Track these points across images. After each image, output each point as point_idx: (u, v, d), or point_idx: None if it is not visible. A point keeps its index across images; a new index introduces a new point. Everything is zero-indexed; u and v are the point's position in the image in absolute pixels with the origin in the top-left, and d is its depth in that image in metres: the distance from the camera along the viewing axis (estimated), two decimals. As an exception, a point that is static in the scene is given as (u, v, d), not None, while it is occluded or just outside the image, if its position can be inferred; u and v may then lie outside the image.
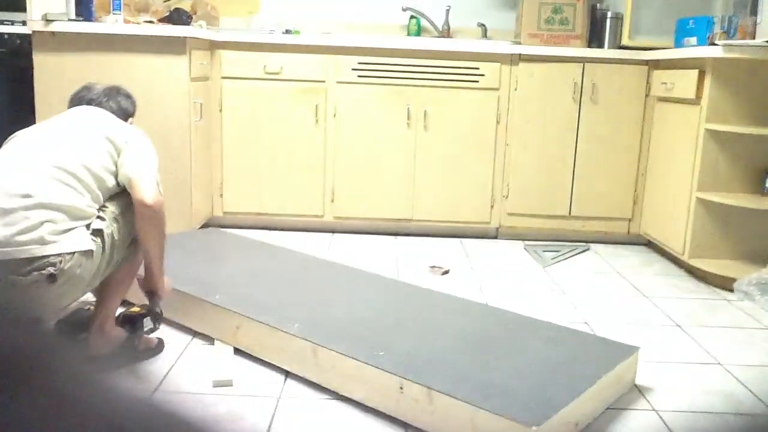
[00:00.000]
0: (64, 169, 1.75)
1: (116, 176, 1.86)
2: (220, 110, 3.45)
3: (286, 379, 1.92)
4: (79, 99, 2.08)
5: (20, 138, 1.87)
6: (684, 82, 3.02)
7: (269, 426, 1.68)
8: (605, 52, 3.45)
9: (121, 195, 1.86)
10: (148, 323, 2.06)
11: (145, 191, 1.82)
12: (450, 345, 1.90)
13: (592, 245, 3.52)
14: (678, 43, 3.39)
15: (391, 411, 1.71)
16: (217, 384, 1.86)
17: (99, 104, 2.06)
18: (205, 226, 3.50)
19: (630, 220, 3.54)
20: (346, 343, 1.87)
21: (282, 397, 1.82)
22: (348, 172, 3.51)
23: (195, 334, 2.19)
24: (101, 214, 1.80)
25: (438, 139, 3.48)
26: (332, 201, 3.53)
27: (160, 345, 2.08)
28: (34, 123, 3.03)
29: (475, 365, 1.78)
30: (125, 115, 2.11)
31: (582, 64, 3.40)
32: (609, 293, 2.78)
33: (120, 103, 2.10)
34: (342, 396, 1.82)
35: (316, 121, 3.46)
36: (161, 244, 1.92)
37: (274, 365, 1.98)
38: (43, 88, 3.06)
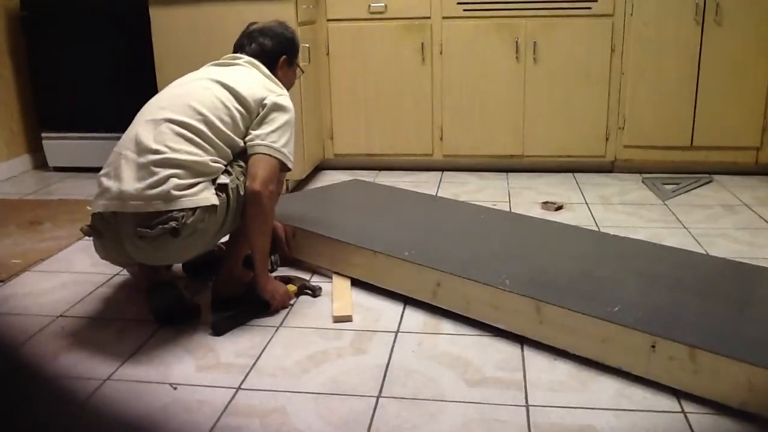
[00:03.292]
0: (191, 126, 1.81)
1: (244, 135, 1.90)
2: (327, 53, 3.48)
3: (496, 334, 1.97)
4: (236, 44, 2.13)
5: (163, 92, 1.96)
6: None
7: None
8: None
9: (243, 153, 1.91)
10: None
11: (258, 177, 1.84)
12: (667, 293, 1.82)
13: (716, 177, 3.34)
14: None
15: (642, 372, 1.58)
16: (338, 320, 1.93)
17: (243, 50, 2.09)
18: (317, 169, 3.58)
19: (758, 149, 3.32)
20: (570, 298, 1.75)
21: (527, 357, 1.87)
22: (456, 110, 3.47)
23: (314, 271, 2.28)
24: (228, 168, 1.85)
25: (548, 71, 3.36)
26: (441, 139, 3.51)
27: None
28: (154, 77, 3.19)
29: (711, 316, 1.69)
30: (270, 57, 2.07)
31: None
32: (733, 227, 2.65)
33: (263, 45, 2.07)
34: (568, 353, 1.71)
35: (423, 58, 3.42)
36: (265, 237, 1.92)
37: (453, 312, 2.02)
38: (160, 41, 3.19)
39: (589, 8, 3.26)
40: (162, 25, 3.18)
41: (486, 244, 2.21)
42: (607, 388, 1.57)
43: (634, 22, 3.25)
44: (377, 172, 3.59)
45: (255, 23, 2.16)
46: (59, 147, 3.72)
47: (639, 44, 3.27)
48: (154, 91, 2.46)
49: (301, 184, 3.33)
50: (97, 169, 1.90)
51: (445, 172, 3.55)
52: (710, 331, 1.59)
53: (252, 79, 1.97)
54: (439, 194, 3.13)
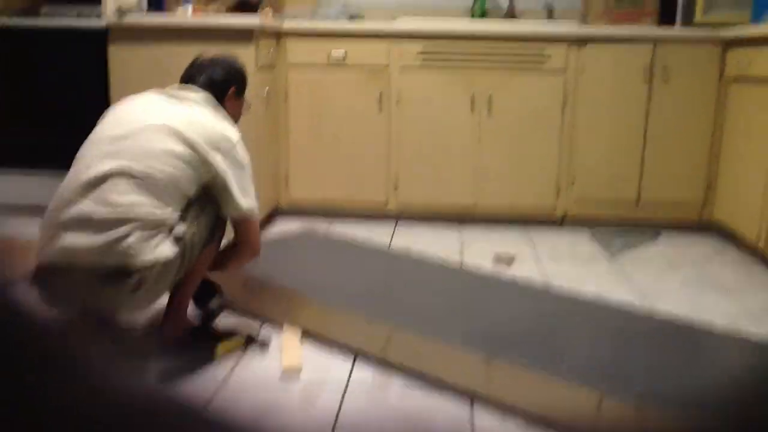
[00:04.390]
0: (145, 176, 1.78)
1: (201, 184, 1.87)
2: (286, 99, 3.50)
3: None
4: (184, 75, 2.11)
5: (109, 128, 1.90)
6: (762, 60, 2.90)
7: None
8: (677, 31, 3.33)
9: (201, 196, 1.89)
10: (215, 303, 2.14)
11: (250, 242, 2.00)
12: (614, 350, 1.85)
13: (662, 232, 3.43)
14: (756, 18, 3.25)
15: (590, 428, 1.59)
16: (287, 371, 1.91)
17: (193, 81, 2.07)
18: (271, 215, 3.56)
19: (702, 206, 3.43)
20: (520, 354, 1.79)
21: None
22: (412, 159, 3.51)
23: (264, 321, 2.25)
24: (183, 215, 1.84)
25: (503, 124, 3.44)
26: (396, 188, 3.54)
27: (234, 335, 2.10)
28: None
29: (656, 372, 1.75)
30: (220, 88, 2.06)
31: (652, 44, 3.30)
32: (680, 283, 2.72)
33: (213, 76, 2.06)
34: (518, 409, 1.75)
35: (380, 107, 3.47)
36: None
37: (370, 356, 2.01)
38: (118, 79, 3.16)
39: (543, 64, 3.36)
40: (120, 63, 3.16)
41: (437, 298, 2.22)
42: (554, 448, 1.57)
43: (585, 80, 3.36)
44: (332, 219, 3.59)
45: (201, 56, 2.16)
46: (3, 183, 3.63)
47: (590, 101, 3.38)
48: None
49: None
50: (42, 208, 1.85)
51: (399, 222, 3.58)
52: (655, 387, 1.62)
53: (206, 121, 1.94)
54: (392, 244, 3.14)
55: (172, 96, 1.99)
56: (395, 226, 3.48)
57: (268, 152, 3.39)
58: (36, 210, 2.16)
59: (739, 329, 2.22)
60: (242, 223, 1.98)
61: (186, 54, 3.11)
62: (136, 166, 1.78)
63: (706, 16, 3.58)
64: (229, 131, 1.97)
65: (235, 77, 2.13)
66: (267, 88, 3.26)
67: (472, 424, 1.66)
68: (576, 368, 1.70)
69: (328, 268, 2.48)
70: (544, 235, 3.37)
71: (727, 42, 3.26)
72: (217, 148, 1.89)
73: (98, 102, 3.21)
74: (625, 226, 3.49)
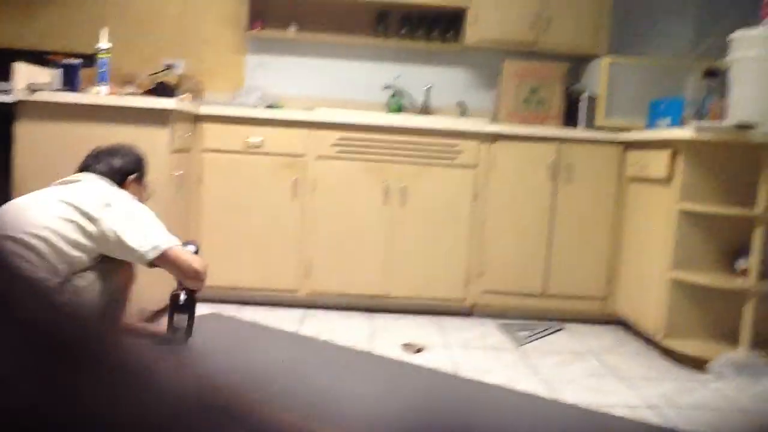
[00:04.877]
0: (30, 246, 1.74)
1: (88, 250, 1.85)
2: (200, 182, 3.47)
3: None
4: (82, 165, 2.10)
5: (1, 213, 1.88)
6: (656, 163, 3.09)
7: None
8: (580, 133, 3.53)
9: (86, 271, 1.84)
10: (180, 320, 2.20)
11: (184, 264, 1.99)
12: None
13: (566, 324, 3.52)
14: (651, 124, 3.49)
15: None
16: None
17: (89, 170, 2.06)
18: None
19: (604, 299, 3.55)
20: None
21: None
22: (324, 247, 3.51)
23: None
24: (61, 288, 1.78)
25: (415, 215, 3.50)
26: (307, 276, 3.52)
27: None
28: (9, 191, 3.06)
29: None
30: (119, 175, 2.08)
31: (558, 144, 3.48)
32: (582, 374, 2.77)
33: (111, 164, 2.08)
34: None
35: (295, 194, 3.48)
36: None
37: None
38: (23, 156, 3.08)
39: (455, 159, 3.48)
40: (28, 140, 3.08)
41: (344, 383, 2.19)
42: None
43: (495, 175, 3.49)
44: (240, 306, 3.52)
45: (99, 146, 2.17)
46: None
47: (499, 195, 3.50)
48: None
49: (158, 315, 3.20)
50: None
51: (309, 310, 3.54)
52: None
53: (95, 189, 1.95)
54: (302, 331, 3.10)
55: (64, 182, 2.00)
56: (305, 314, 3.44)
57: (178, 236, 3.32)
58: None
59: (639, 417, 2.26)
60: (161, 263, 1.97)
61: (98, 134, 3.09)
62: (21, 237, 1.75)
63: (607, 120, 3.82)
64: (116, 192, 1.98)
65: (135, 163, 2.16)
66: (181, 171, 3.24)
67: None
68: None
69: (233, 351, 2.42)
70: (453, 325, 3.39)
71: (626, 144, 3.47)
72: (106, 205, 1.89)
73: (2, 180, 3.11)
74: (531, 317, 3.56)
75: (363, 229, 3.51)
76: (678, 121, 3.23)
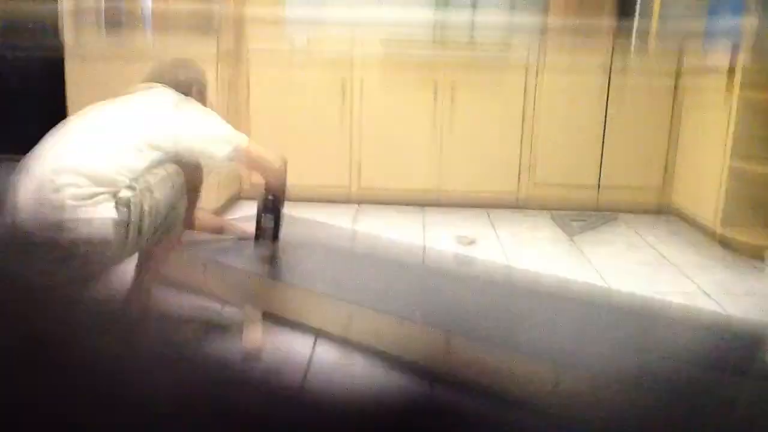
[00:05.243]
0: (97, 137, 1.78)
1: (160, 155, 1.86)
2: (248, 85, 3.47)
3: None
4: (146, 78, 2.11)
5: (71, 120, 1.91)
6: (717, 52, 2.96)
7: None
8: (635, 24, 3.38)
9: (160, 167, 1.86)
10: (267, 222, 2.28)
11: (262, 161, 2.08)
12: (573, 326, 1.89)
13: (620, 215, 3.49)
14: (712, 13, 3.31)
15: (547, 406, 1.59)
16: (249, 351, 1.90)
17: (157, 82, 2.08)
18: (232, 200, 3.54)
19: (659, 189, 3.50)
20: (479, 331, 1.81)
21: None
22: (375, 146, 3.51)
23: (225, 303, 2.24)
24: (133, 184, 1.78)
25: (465, 111, 3.46)
26: (359, 173, 3.53)
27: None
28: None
29: (614, 347, 1.78)
30: (185, 86, 2.08)
31: (612, 36, 3.35)
32: (636, 263, 2.77)
33: (176, 77, 2.08)
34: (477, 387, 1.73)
35: (343, 94, 3.46)
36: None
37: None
38: (74, 72, 3.10)
39: (505, 53, 3.38)
40: (79, 55, 3.10)
41: (398, 277, 2.23)
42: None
43: (546, 68, 3.39)
44: (293, 203, 3.56)
45: (161, 61, 2.17)
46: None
47: (551, 88, 3.41)
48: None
49: (216, 214, 3.28)
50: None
51: (361, 205, 3.57)
52: (611, 363, 1.65)
53: (166, 97, 1.98)
54: (354, 227, 3.15)
55: (131, 92, 2.01)
56: (358, 210, 3.48)
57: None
58: None
59: (695, 307, 2.27)
60: (240, 160, 2.01)
61: (148, 46, 3.09)
62: (88, 131, 1.80)
63: (664, 9, 3.62)
64: (187, 99, 2.01)
65: (195, 77, 2.15)
66: (229, 76, 3.24)
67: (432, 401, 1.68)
68: (533, 345, 1.72)
69: (289, 249, 2.47)
70: (505, 217, 3.40)
71: (685, 34, 3.32)
72: (179, 110, 1.93)
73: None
74: (584, 209, 3.53)
75: (413, 127, 3.48)
76: (741, 10, 3.06)
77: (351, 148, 3.52)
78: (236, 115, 3.44)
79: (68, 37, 3.10)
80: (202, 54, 3.04)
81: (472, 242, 2.94)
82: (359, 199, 3.62)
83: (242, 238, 2.42)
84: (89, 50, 3.09)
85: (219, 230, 2.49)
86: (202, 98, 2.18)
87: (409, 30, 3.39)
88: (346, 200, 3.61)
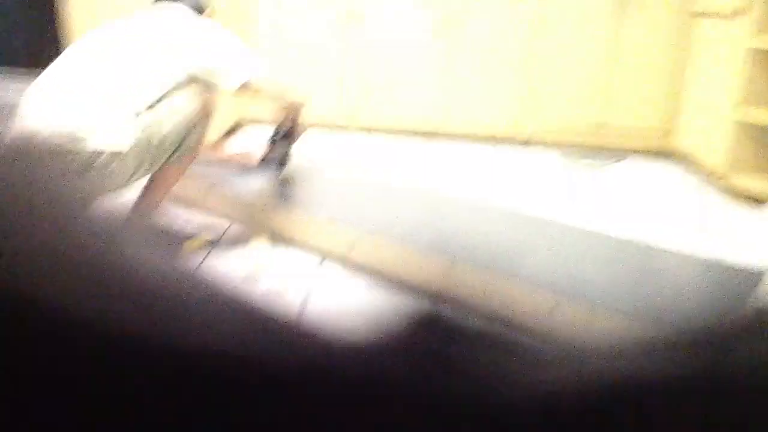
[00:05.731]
0: (117, 59, 1.76)
1: (174, 79, 1.84)
2: (248, 11, 3.40)
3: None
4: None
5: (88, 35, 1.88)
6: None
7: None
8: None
9: (177, 91, 1.84)
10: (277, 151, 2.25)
11: (282, 88, 2.07)
12: (571, 266, 1.92)
13: (627, 157, 3.47)
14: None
15: (545, 331, 1.64)
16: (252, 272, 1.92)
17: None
18: (234, 128, 3.51)
19: (665, 133, 3.47)
20: (480, 258, 1.85)
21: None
22: (378, 78, 3.46)
23: (230, 222, 2.24)
24: (152, 104, 1.78)
25: (468, 45, 3.39)
26: (363, 105, 3.50)
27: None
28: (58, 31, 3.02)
29: (612, 283, 1.80)
30: (197, 9, 2.07)
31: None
32: (638, 207, 2.77)
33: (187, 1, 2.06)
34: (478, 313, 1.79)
35: (345, 22, 3.39)
36: None
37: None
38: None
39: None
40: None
41: (402, 209, 2.24)
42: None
43: (552, 3, 3.32)
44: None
45: None
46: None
47: (557, 25, 3.34)
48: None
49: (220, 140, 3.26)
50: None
51: (367, 134, 3.55)
52: (608, 298, 1.68)
53: (179, 16, 1.95)
54: (357, 158, 3.13)
55: (147, 10, 1.98)
56: (362, 139, 3.46)
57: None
58: None
59: (695, 252, 2.28)
60: (258, 89, 2.00)
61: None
62: (109, 49, 1.78)
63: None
64: (204, 19, 2.00)
65: (207, 2, 2.13)
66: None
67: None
68: (532, 277, 1.75)
69: (293, 176, 2.48)
70: (508, 155, 3.38)
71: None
72: (196, 29, 1.91)
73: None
74: (588, 149, 3.52)
75: (416, 57, 3.43)
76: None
77: (355, 79, 3.47)
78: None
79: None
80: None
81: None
82: (365, 128, 3.59)
83: (248, 166, 2.42)
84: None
85: (228, 158, 2.49)
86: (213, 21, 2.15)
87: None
88: (350, 130, 3.59)
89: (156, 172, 1.88)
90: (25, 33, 2.29)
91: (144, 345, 0.21)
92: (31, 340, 0.20)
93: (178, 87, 1.83)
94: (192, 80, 1.86)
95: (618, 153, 3.49)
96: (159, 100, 1.79)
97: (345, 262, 1.98)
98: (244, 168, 2.44)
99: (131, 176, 1.79)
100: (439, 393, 0.22)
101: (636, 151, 3.52)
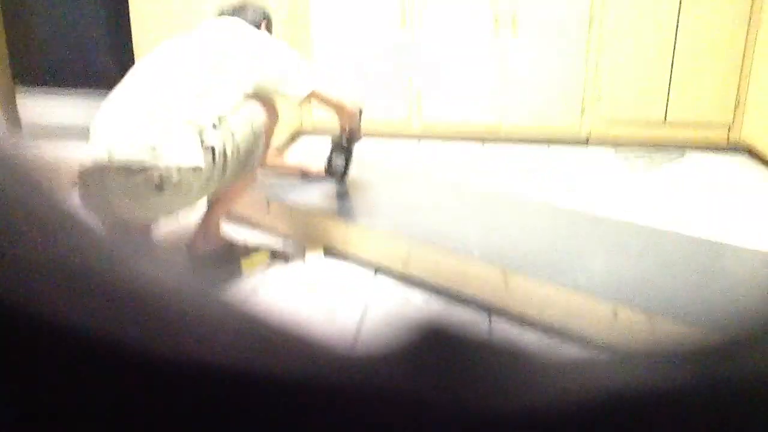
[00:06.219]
0: (186, 74, 1.82)
1: (249, 86, 1.90)
2: (306, 18, 3.46)
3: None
4: (219, 13, 2.15)
5: (154, 52, 1.95)
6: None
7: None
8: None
9: (241, 107, 1.90)
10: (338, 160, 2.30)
11: (343, 95, 2.12)
12: (632, 265, 1.90)
13: (688, 152, 3.39)
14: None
15: (604, 339, 1.62)
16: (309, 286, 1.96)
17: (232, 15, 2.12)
18: (294, 136, 3.57)
19: (730, 126, 3.37)
20: (537, 268, 1.81)
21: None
22: (434, 78, 3.47)
23: (287, 239, 2.29)
24: (217, 122, 1.81)
25: (527, 42, 3.37)
26: (418, 107, 3.52)
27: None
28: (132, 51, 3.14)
29: (672, 286, 1.79)
30: (254, 25, 2.12)
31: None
32: (703, 203, 2.70)
33: (246, 15, 2.12)
34: (534, 323, 1.79)
35: (402, 23, 3.41)
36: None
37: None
38: (138, 10, 3.13)
39: (570, -19, 3.27)
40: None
41: (456, 215, 2.25)
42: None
43: (613, -3, 3.27)
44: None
45: (222, 6, 2.19)
46: (35, 102, 3.66)
47: (617, 17, 3.29)
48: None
49: (280, 150, 3.33)
50: (78, 129, 1.88)
51: (421, 141, 3.57)
52: (673, 302, 1.64)
53: (240, 30, 2.01)
54: (414, 163, 3.15)
55: (211, 23, 2.05)
56: (418, 144, 3.47)
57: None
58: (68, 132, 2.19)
59: (762, 249, 2.22)
60: (318, 99, 2.07)
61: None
62: (176, 66, 1.84)
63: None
64: (263, 32, 2.07)
65: (264, 14, 2.18)
66: (287, 9, 3.23)
67: (491, 335, 1.71)
68: (594, 282, 1.72)
69: (350, 186, 2.50)
70: (568, 154, 3.35)
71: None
72: (256, 42, 1.97)
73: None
74: (651, 145, 3.44)
75: (473, 58, 3.42)
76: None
77: (410, 80, 3.49)
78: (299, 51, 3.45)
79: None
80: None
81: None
82: (420, 135, 3.61)
83: (308, 176, 2.47)
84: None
85: (287, 169, 2.53)
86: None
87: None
88: (407, 135, 3.61)
89: (223, 186, 1.91)
90: (102, 54, 2.41)
91: (148, 356, 0.23)
92: (32, 347, 0.22)
93: (245, 98, 1.88)
94: (257, 91, 1.91)
95: (679, 148, 3.41)
96: (229, 112, 1.84)
97: (400, 274, 1.99)
98: (304, 177, 2.48)
99: (202, 191, 1.83)
100: (443, 403, 0.23)
101: (698, 146, 3.43)
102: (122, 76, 1.88)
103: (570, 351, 1.64)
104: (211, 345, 0.26)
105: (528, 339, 1.68)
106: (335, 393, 0.24)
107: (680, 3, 3.22)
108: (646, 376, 0.26)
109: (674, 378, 0.26)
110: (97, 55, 3.04)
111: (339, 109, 2.21)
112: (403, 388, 0.24)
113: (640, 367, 0.27)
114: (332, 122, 3.47)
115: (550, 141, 3.52)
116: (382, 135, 3.60)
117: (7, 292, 0.23)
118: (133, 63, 2.76)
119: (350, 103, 2.21)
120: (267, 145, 2.07)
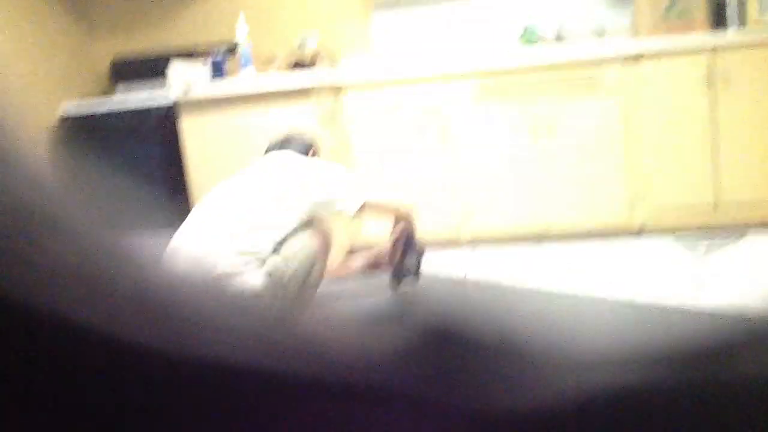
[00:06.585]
0: (246, 209, 1.90)
1: (306, 212, 1.98)
2: (348, 146, 3.59)
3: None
4: (268, 148, 2.28)
5: (217, 188, 2.06)
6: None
7: None
8: (732, 36, 3.26)
9: (298, 233, 1.97)
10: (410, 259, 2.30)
11: (393, 202, 2.23)
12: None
13: (748, 232, 3.31)
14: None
15: None
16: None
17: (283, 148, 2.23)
18: (350, 252, 3.61)
19: (786, 200, 3.30)
20: None
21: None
22: (480, 190, 3.52)
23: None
24: (277, 248, 1.89)
25: (565, 148, 3.42)
26: (468, 218, 3.55)
27: None
28: (187, 189, 3.30)
29: None
30: (303, 153, 2.24)
31: (709, 53, 3.24)
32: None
33: (293, 145, 2.24)
34: None
35: (443, 141, 3.51)
36: None
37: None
38: (192, 150, 3.32)
39: (597, 85, 3.34)
40: (193, 135, 3.32)
41: (521, 313, 2.22)
42: None
43: (644, 95, 3.32)
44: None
45: (274, 136, 2.32)
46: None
47: (652, 115, 3.33)
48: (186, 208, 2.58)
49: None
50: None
51: (472, 250, 3.57)
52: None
53: (290, 161, 2.11)
54: (468, 272, 3.15)
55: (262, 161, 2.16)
56: (469, 255, 3.48)
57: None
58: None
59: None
60: (368, 211, 2.09)
61: (252, 117, 3.27)
62: (239, 202, 1.93)
63: (762, 14, 3.47)
64: (311, 158, 2.15)
65: (311, 143, 2.28)
66: (331, 137, 3.37)
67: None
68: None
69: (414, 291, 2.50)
70: (622, 247, 3.30)
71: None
72: (308, 170, 2.04)
73: (174, 177, 3.34)
74: (705, 230, 3.38)
75: (512, 166, 3.48)
76: None
77: (456, 196, 3.55)
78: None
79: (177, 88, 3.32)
80: (303, 117, 3.20)
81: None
82: (470, 244, 3.62)
83: (378, 265, 2.47)
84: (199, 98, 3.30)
85: (356, 269, 2.54)
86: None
87: (502, 72, 3.42)
88: (457, 245, 3.62)
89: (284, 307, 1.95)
90: (163, 196, 2.55)
91: (156, 355, 0.23)
92: (42, 347, 0.22)
93: (302, 225, 1.95)
94: (313, 214, 1.98)
95: (738, 229, 3.35)
96: (285, 239, 1.91)
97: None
98: (377, 270, 2.47)
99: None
100: (446, 403, 0.23)
101: (756, 225, 3.36)
102: (178, 215, 1.98)
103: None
104: (220, 344, 0.26)
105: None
106: (339, 392, 0.24)
107: (714, 94, 3.26)
108: (645, 376, 0.26)
109: (672, 379, 0.26)
110: (155, 196, 3.17)
111: (394, 212, 2.25)
112: (408, 387, 0.24)
113: (639, 368, 0.27)
114: (383, 236, 3.53)
115: (604, 234, 3.49)
116: (434, 246, 3.62)
117: (31, 297, 0.23)
118: (188, 202, 2.90)
119: (403, 206, 2.25)
120: (324, 266, 2.10)
